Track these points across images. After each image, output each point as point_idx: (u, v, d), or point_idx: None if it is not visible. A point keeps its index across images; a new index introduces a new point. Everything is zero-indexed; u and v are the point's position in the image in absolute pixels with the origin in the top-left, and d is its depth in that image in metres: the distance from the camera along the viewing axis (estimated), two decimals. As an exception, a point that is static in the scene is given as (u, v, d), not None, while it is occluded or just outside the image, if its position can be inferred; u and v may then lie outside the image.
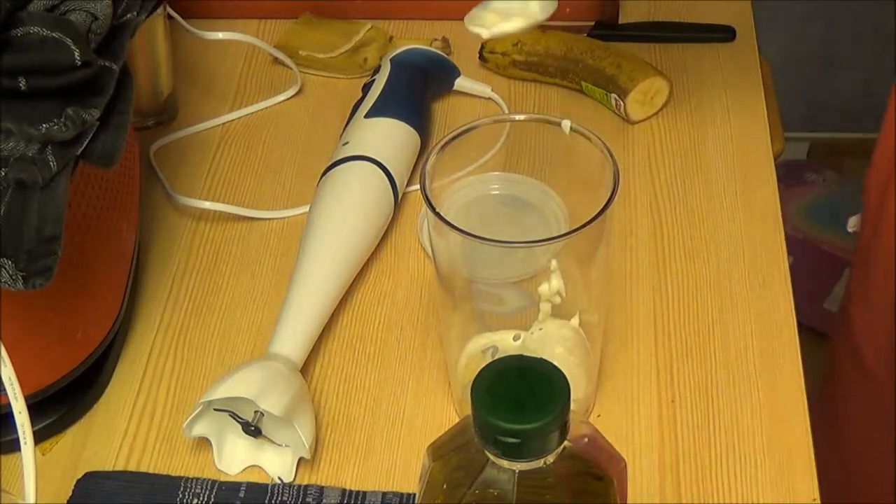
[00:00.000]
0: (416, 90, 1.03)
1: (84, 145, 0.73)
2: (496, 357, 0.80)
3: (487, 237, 0.71)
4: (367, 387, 0.87)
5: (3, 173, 0.69)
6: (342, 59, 1.12)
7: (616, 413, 0.84)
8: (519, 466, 0.60)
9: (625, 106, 1.04)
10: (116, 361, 0.88)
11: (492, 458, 0.60)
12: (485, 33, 0.71)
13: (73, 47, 0.69)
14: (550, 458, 0.60)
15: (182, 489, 0.80)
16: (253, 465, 0.82)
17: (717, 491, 0.79)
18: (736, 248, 0.95)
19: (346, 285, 0.90)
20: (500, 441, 0.59)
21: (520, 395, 0.60)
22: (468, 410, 0.83)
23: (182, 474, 0.81)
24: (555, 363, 0.80)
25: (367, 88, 1.02)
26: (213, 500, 0.79)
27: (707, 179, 1.00)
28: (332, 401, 0.86)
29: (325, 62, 1.12)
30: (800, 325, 0.89)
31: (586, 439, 0.64)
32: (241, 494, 0.79)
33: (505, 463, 0.60)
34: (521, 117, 0.81)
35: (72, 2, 0.72)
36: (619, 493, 0.64)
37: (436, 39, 1.12)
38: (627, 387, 0.85)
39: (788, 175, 2.12)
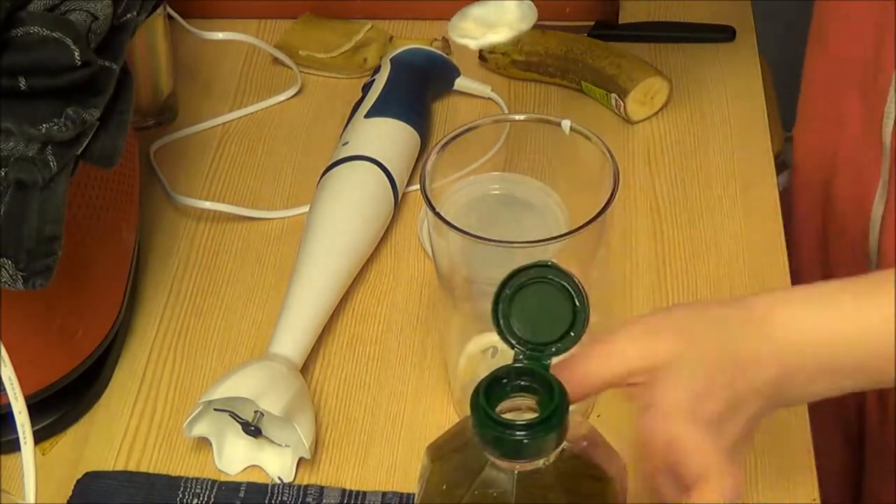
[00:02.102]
0: (416, 90, 1.03)
1: (84, 145, 0.73)
2: (496, 357, 0.80)
3: (487, 237, 0.71)
4: (367, 387, 0.87)
5: (3, 173, 0.69)
6: (342, 59, 1.12)
7: (616, 413, 0.84)
8: (518, 467, 0.60)
9: (625, 106, 1.04)
10: (116, 361, 0.88)
11: (491, 458, 0.60)
12: (472, 44, 0.72)
13: (73, 47, 0.69)
14: (550, 459, 0.60)
15: (182, 489, 0.80)
16: (253, 465, 0.82)
17: (717, 491, 0.79)
18: (736, 248, 0.95)
19: (346, 285, 0.90)
20: (499, 442, 0.59)
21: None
22: (468, 410, 0.83)
23: (182, 474, 0.81)
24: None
25: (367, 88, 1.02)
26: (213, 500, 0.79)
27: (707, 179, 1.00)
28: (332, 401, 0.86)
29: (325, 62, 1.12)
30: (800, 325, 0.89)
31: (585, 441, 0.64)
32: (241, 494, 0.79)
33: (504, 463, 0.60)
34: (521, 117, 0.81)
35: (72, 2, 0.72)
36: (619, 492, 0.64)
37: (436, 39, 1.11)
38: (627, 387, 0.85)
39: (788, 175, 2.12)
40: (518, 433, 0.59)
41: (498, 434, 0.59)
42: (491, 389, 0.60)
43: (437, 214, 0.73)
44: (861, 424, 1.00)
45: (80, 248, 0.80)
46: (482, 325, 0.81)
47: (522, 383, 0.61)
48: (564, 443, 0.61)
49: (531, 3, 0.74)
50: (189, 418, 0.79)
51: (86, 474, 0.81)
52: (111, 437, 0.84)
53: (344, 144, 0.96)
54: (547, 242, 0.73)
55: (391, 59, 1.04)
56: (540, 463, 0.60)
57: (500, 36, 0.72)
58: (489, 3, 0.74)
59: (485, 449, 0.60)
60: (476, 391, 0.60)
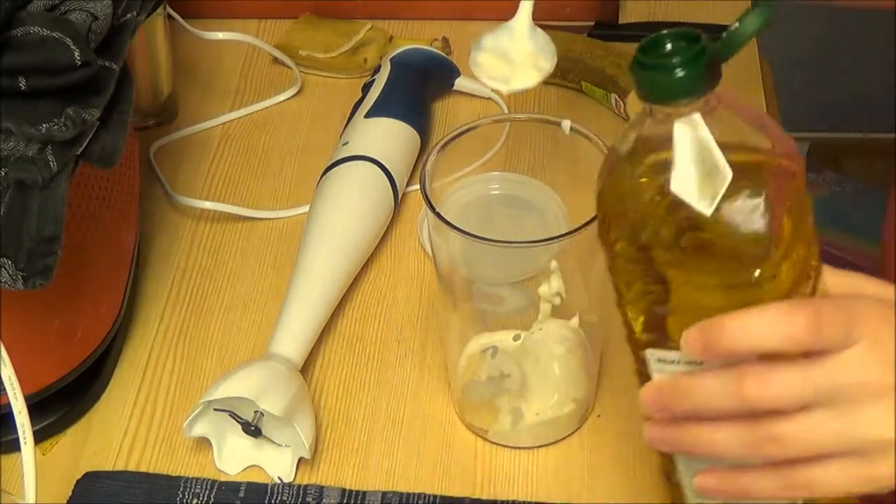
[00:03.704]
0: (416, 90, 1.03)
1: (84, 145, 0.73)
2: (496, 357, 0.80)
3: (487, 237, 0.71)
4: (367, 387, 0.87)
5: (3, 173, 0.69)
6: (342, 59, 1.12)
7: (616, 413, 0.84)
8: (672, 112, 0.59)
9: (625, 106, 1.04)
10: (116, 361, 0.88)
11: (649, 107, 0.59)
12: (504, 89, 0.72)
13: (73, 47, 0.69)
14: (703, 107, 0.59)
15: (182, 489, 0.80)
16: (253, 465, 0.82)
17: (717, 491, 0.79)
18: (736, 248, 0.94)
19: (346, 285, 0.90)
20: (651, 75, 0.58)
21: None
22: (468, 410, 0.84)
23: (182, 474, 0.81)
24: (555, 363, 0.80)
25: (367, 88, 1.02)
26: (213, 499, 0.79)
27: (707, 179, 1.00)
28: (332, 401, 0.86)
29: (325, 62, 1.12)
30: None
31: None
32: (241, 494, 0.79)
33: (660, 109, 0.59)
34: (521, 117, 0.81)
35: (72, 2, 0.72)
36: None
37: (436, 39, 1.11)
38: (627, 386, 0.85)
39: (788, 175, 2.12)
40: (667, 61, 0.58)
41: (651, 66, 0.58)
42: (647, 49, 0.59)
43: (437, 214, 0.73)
44: None
45: (80, 248, 0.80)
46: (482, 325, 0.81)
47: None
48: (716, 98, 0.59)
49: (544, 33, 0.74)
50: (189, 418, 0.79)
51: (86, 474, 0.81)
52: (111, 437, 0.84)
53: (344, 144, 0.96)
54: (547, 242, 0.73)
55: (391, 59, 1.04)
56: (695, 109, 0.59)
57: (527, 82, 0.72)
58: (498, 29, 0.73)
59: (641, 94, 0.59)
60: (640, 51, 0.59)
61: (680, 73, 0.58)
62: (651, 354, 0.63)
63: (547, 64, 0.72)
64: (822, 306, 0.59)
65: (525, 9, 0.73)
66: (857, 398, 0.58)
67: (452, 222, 0.72)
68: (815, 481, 0.59)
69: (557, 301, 0.77)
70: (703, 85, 0.59)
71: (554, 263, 0.75)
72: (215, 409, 0.80)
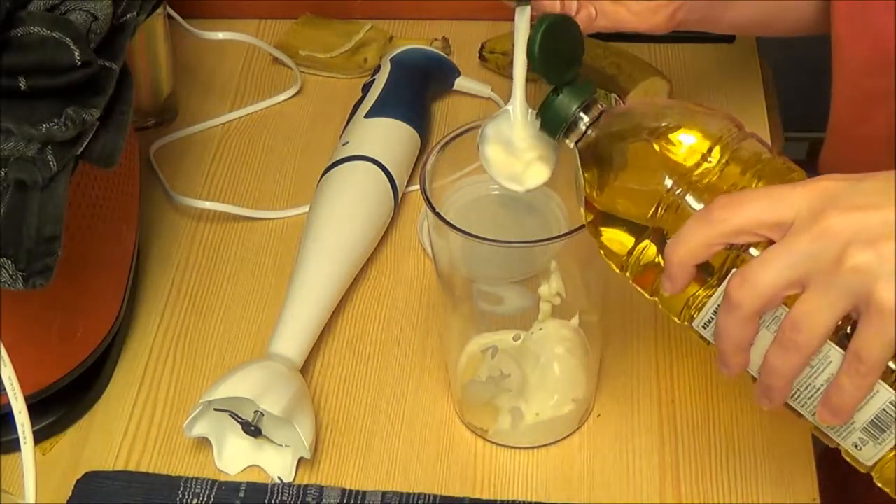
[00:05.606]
0: (416, 90, 1.03)
1: (84, 145, 0.73)
2: (496, 357, 0.80)
3: (487, 237, 0.71)
4: (367, 387, 0.87)
5: (3, 173, 0.69)
6: (342, 59, 1.12)
7: (616, 413, 0.84)
8: (569, 142, 0.70)
9: (625, 106, 1.04)
10: (116, 361, 0.88)
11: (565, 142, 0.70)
12: (521, 189, 0.75)
13: (73, 47, 0.69)
14: (588, 123, 0.69)
15: (182, 489, 0.80)
16: (253, 465, 0.82)
17: (717, 491, 0.79)
18: (736, 248, 0.95)
19: (346, 285, 0.90)
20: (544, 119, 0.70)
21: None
22: (468, 411, 0.84)
23: (182, 474, 0.81)
24: (555, 363, 0.80)
25: (367, 88, 1.02)
26: (212, 499, 0.79)
27: (707, 179, 1.00)
28: (332, 401, 0.86)
29: (325, 62, 1.12)
30: (800, 325, 0.89)
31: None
32: (241, 494, 0.79)
33: (566, 142, 0.70)
34: (521, 117, 0.81)
35: (72, 2, 0.72)
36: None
37: (436, 39, 1.12)
38: (627, 387, 0.85)
39: (788, 175, 2.11)
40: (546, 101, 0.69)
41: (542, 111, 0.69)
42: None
43: (437, 214, 0.73)
44: None
45: (80, 248, 0.80)
46: (482, 325, 0.81)
47: None
48: (600, 106, 0.69)
49: (533, 112, 0.75)
50: (189, 418, 0.79)
51: (86, 474, 0.81)
52: (111, 437, 0.84)
53: (344, 144, 0.96)
54: (547, 242, 0.73)
55: (391, 59, 1.04)
56: (584, 130, 0.69)
57: (539, 179, 0.74)
58: (497, 116, 0.74)
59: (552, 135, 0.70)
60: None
61: (545, 125, 0.70)
62: (697, 325, 0.67)
63: (550, 153, 0.74)
64: (739, 192, 0.64)
65: (519, 92, 0.74)
66: (821, 252, 0.60)
67: (452, 222, 0.72)
68: (861, 349, 0.60)
69: (557, 301, 0.77)
70: (561, 120, 0.70)
71: (554, 263, 0.75)
72: (215, 409, 0.80)
